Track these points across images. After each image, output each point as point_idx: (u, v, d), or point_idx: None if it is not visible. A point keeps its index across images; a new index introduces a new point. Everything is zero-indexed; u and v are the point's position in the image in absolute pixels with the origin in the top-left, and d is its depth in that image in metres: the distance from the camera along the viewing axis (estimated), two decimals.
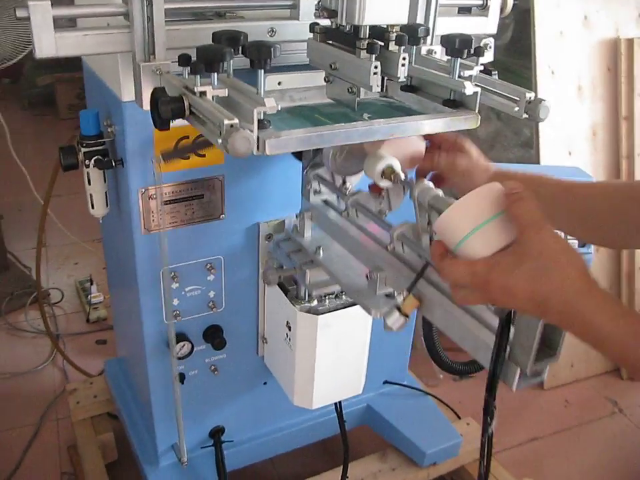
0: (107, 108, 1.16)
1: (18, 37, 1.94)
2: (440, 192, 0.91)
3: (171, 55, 0.91)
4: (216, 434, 1.52)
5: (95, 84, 1.24)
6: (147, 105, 0.90)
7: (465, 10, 1.26)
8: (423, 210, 0.91)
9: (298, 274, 1.23)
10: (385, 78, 0.97)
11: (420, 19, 1.05)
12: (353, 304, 1.27)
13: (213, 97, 0.82)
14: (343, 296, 1.28)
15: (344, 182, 1.18)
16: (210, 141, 0.80)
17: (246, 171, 1.23)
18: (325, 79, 1.04)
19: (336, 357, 1.31)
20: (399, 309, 0.89)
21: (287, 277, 1.29)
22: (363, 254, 1.11)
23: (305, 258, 1.22)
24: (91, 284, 2.54)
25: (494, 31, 1.27)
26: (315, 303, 1.27)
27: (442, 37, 0.93)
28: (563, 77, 2.15)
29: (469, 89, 0.92)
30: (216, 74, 0.82)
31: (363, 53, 0.92)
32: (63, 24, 0.92)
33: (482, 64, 0.99)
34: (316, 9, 0.97)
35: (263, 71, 0.81)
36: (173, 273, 1.25)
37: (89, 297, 2.51)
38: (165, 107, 0.82)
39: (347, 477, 1.53)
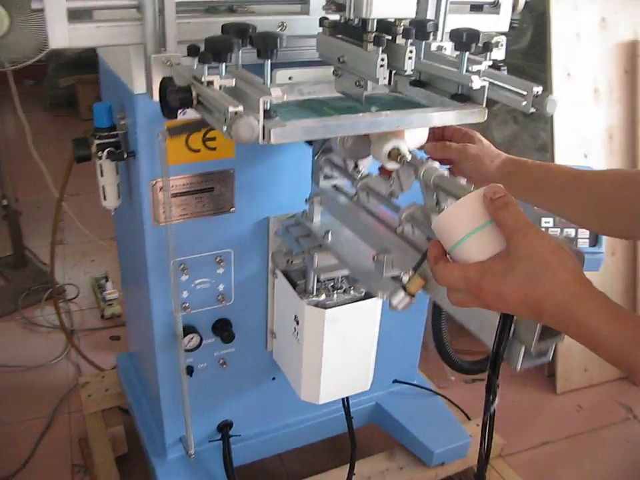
0: (120, 101, 1.18)
1: (39, 35, 1.97)
2: (445, 171, 0.91)
3: (182, 49, 0.92)
4: (224, 428, 1.52)
5: (109, 78, 1.26)
6: (157, 96, 0.91)
7: (476, 7, 1.26)
8: (429, 190, 0.91)
9: (306, 257, 1.23)
10: (393, 72, 0.98)
11: (430, 15, 1.06)
12: (361, 298, 1.28)
13: (220, 87, 0.83)
14: (352, 291, 1.28)
15: (356, 166, 1.18)
16: None
17: (256, 165, 1.24)
18: (333, 73, 1.05)
19: (343, 351, 1.32)
20: (404, 288, 0.88)
21: (296, 270, 1.30)
22: (371, 237, 1.11)
23: (314, 242, 1.22)
24: (106, 281, 2.59)
25: (506, 28, 1.28)
26: (323, 297, 1.27)
27: (450, 31, 0.94)
28: (579, 80, 2.13)
29: (476, 82, 0.92)
30: (224, 64, 0.84)
31: (370, 46, 0.93)
32: (80, 15, 0.94)
33: (492, 59, 0.99)
34: (324, 3, 0.98)
35: (269, 61, 0.82)
36: (182, 265, 1.26)
37: (104, 293, 2.55)
38: (173, 96, 0.83)
39: (354, 475, 1.53)
